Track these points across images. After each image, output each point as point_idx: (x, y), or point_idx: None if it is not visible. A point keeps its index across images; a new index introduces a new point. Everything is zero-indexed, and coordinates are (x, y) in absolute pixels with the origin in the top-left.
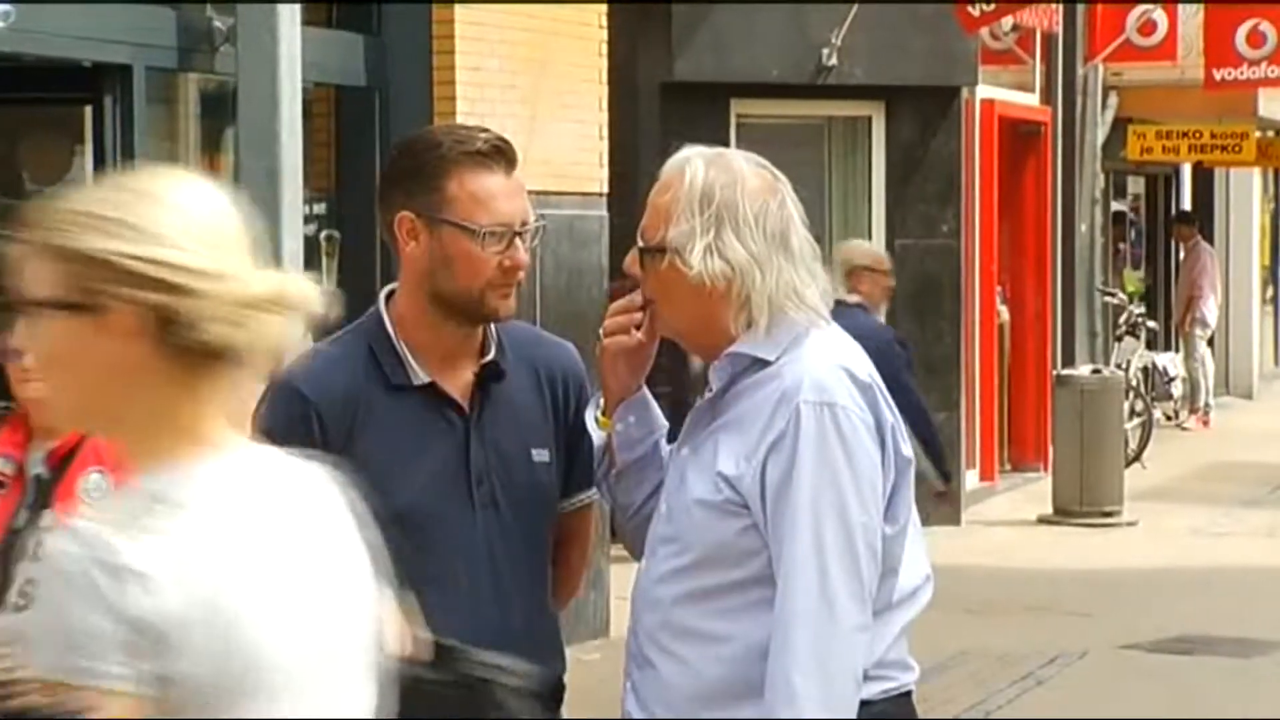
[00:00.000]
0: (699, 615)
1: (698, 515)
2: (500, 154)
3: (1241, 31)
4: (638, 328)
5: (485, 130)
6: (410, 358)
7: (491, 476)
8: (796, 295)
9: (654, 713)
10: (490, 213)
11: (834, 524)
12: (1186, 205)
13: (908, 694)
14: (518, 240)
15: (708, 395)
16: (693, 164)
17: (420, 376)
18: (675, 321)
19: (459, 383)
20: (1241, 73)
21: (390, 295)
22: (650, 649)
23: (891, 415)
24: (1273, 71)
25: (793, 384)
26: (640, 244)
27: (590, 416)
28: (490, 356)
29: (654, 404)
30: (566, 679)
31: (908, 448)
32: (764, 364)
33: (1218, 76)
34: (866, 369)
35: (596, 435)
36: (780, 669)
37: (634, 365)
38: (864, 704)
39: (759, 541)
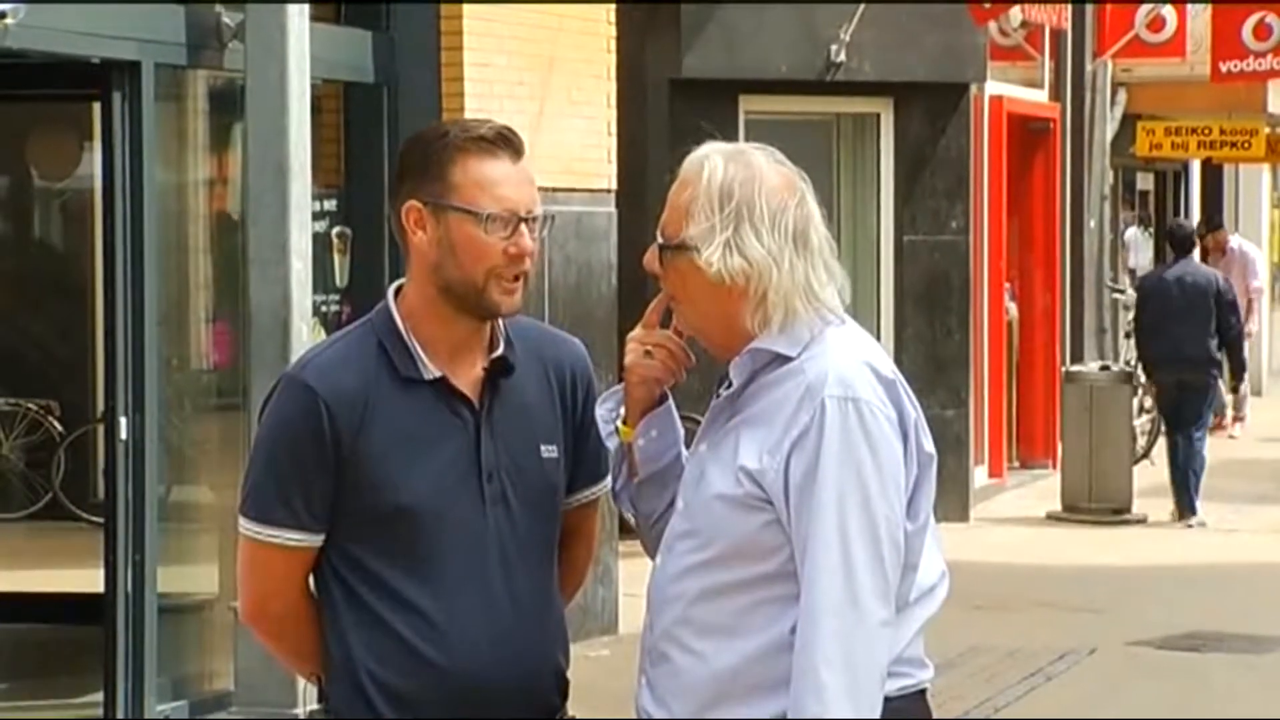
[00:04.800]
0: (719, 611)
1: (718, 510)
2: (506, 141)
3: (1248, 24)
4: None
5: (493, 121)
6: (420, 352)
7: (501, 472)
8: (813, 294)
9: (671, 708)
10: (495, 198)
11: (859, 519)
12: (1195, 201)
13: (923, 692)
14: (524, 227)
15: (727, 391)
16: (712, 160)
17: (430, 371)
18: (693, 318)
19: (469, 377)
20: (1248, 64)
21: (399, 290)
22: (667, 645)
23: (914, 410)
24: (1278, 64)
25: (817, 379)
26: (660, 241)
27: (604, 420)
28: (500, 351)
29: (675, 413)
30: (574, 675)
31: (929, 443)
32: (785, 360)
33: (1224, 69)
34: (889, 365)
35: (610, 442)
36: (807, 664)
37: (661, 381)
38: (883, 700)
39: (781, 536)
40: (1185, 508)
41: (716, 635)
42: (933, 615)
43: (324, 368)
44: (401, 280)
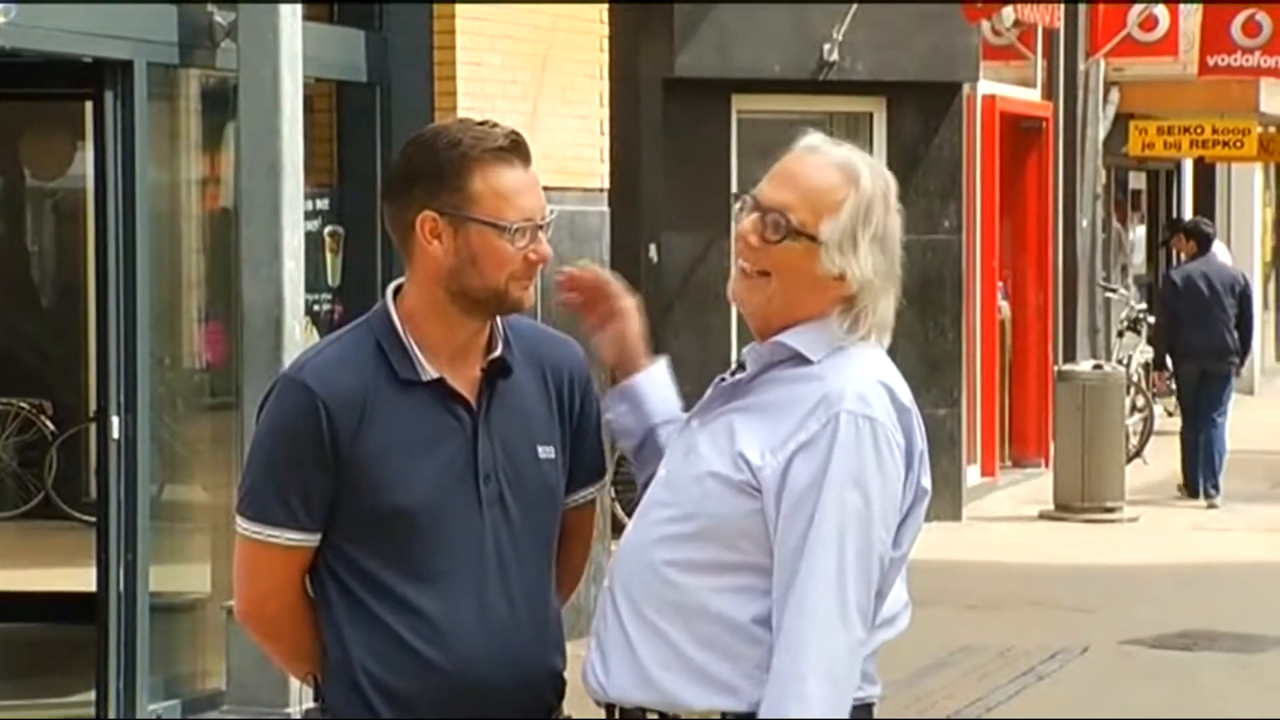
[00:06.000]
0: (681, 588)
1: (710, 486)
2: (517, 147)
3: (1237, 21)
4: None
5: (498, 125)
6: (418, 353)
7: (498, 473)
8: (888, 327)
9: (612, 672)
10: (516, 208)
11: (857, 536)
12: (1188, 200)
13: (870, 705)
14: (540, 233)
15: (737, 376)
16: (861, 170)
17: (428, 372)
18: (776, 300)
19: (467, 379)
20: (1235, 59)
21: (397, 290)
22: (625, 608)
23: (922, 443)
24: (1266, 61)
25: (835, 391)
26: (790, 223)
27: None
28: (498, 352)
29: (653, 393)
30: (568, 674)
31: (928, 480)
32: (804, 361)
33: (1211, 62)
34: (907, 393)
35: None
36: (794, 670)
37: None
38: None
39: (762, 529)
40: (1210, 489)
41: (679, 613)
42: (889, 639)
43: (322, 368)
44: (399, 281)
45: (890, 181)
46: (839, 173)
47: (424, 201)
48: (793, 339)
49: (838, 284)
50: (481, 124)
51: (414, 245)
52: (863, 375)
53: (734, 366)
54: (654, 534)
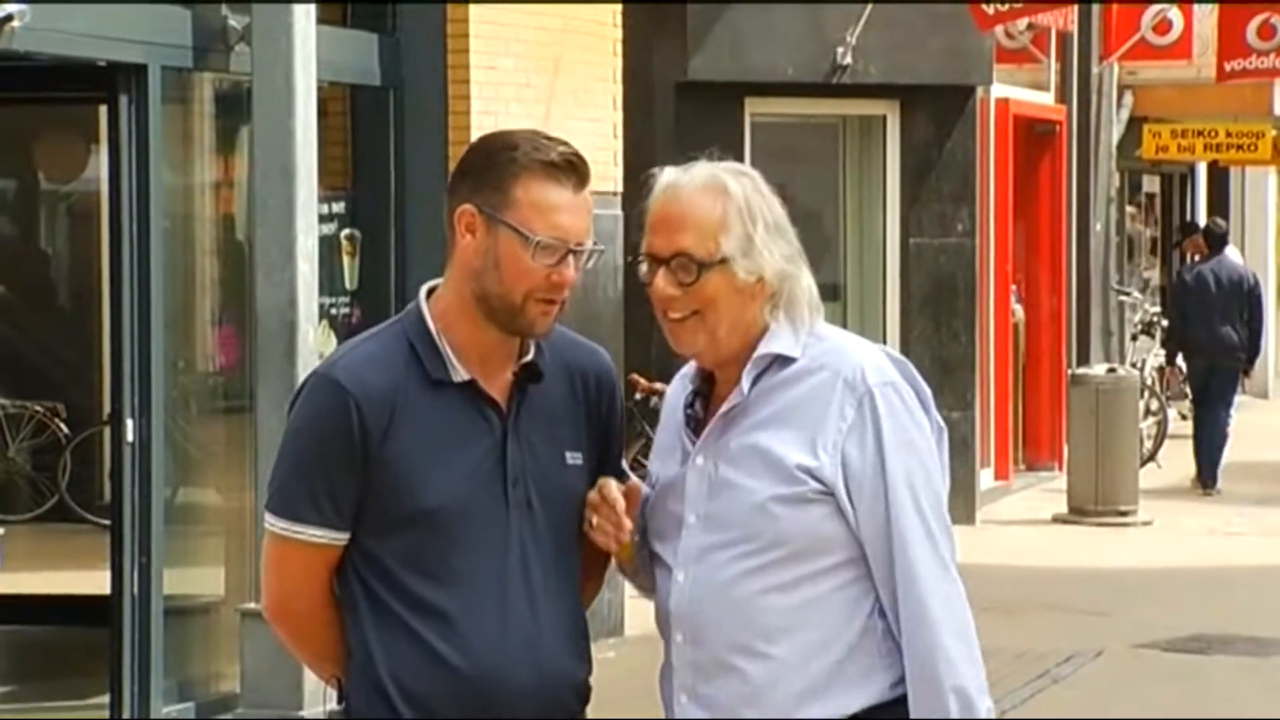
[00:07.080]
0: (788, 610)
1: (778, 511)
2: (573, 168)
3: (1253, 25)
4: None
5: (566, 144)
6: (451, 354)
7: (526, 477)
8: (816, 295)
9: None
10: (549, 225)
11: (928, 495)
12: (1202, 204)
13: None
14: (571, 258)
15: (728, 406)
16: (721, 178)
17: (460, 374)
18: (722, 329)
19: (498, 382)
20: (1251, 63)
21: (431, 292)
22: (730, 656)
23: (925, 387)
24: None
25: (851, 372)
26: (693, 259)
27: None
28: (530, 356)
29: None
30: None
31: (938, 415)
32: (787, 361)
33: (1228, 67)
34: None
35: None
36: (928, 632)
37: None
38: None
39: (841, 527)
40: (1207, 479)
41: (790, 634)
42: None
43: (354, 366)
44: (434, 282)
45: (752, 171)
46: (708, 193)
47: (468, 195)
48: (771, 345)
49: (760, 285)
50: (550, 139)
51: (454, 239)
52: (863, 350)
53: (689, 397)
54: (724, 576)
